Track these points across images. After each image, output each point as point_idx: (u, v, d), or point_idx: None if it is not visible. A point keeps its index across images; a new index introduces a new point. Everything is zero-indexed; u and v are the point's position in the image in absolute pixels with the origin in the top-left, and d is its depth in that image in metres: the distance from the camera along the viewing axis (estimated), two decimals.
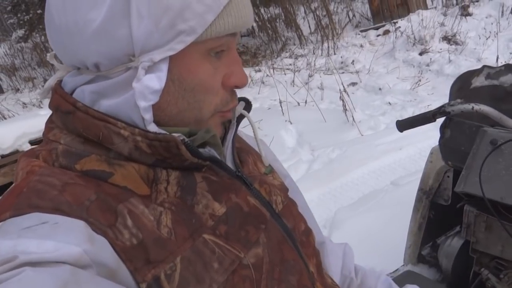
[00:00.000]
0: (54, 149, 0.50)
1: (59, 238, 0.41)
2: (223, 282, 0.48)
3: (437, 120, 1.18)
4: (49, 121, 0.54)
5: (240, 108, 0.61)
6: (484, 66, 1.29)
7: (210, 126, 0.55)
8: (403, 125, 1.14)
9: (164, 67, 0.48)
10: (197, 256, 0.47)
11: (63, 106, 0.51)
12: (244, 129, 0.70)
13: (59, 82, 0.54)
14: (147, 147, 0.49)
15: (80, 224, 0.43)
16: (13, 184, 0.49)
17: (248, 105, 0.63)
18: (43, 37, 8.87)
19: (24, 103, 6.74)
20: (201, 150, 0.52)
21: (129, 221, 0.46)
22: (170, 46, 0.47)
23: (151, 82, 0.48)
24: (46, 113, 4.36)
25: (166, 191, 0.50)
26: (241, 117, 0.62)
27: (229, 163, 0.59)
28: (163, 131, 0.50)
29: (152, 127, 0.49)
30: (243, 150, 0.66)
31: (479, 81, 1.28)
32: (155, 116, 0.51)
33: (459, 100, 1.05)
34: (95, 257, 0.42)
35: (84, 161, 0.49)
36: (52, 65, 0.58)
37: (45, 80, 7.72)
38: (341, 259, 0.75)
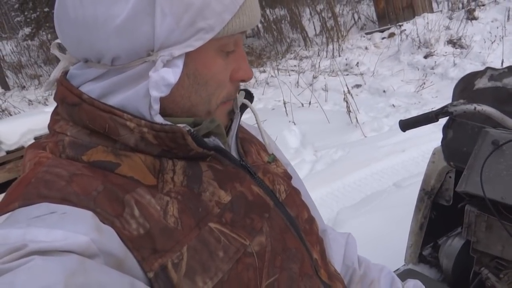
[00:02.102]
0: (60, 141, 0.51)
1: (68, 227, 0.41)
2: (228, 271, 0.49)
3: (440, 121, 1.19)
4: (55, 113, 0.55)
5: (241, 98, 0.63)
6: (487, 68, 1.30)
7: (216, 116, 0.56)
8: (406, 124, 1.15)
9: (180, 63, 0.50)
10: (203, 245, 0.48)
11: (69, 98, 0.51)
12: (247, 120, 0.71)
13: (64, 74, 0.55)
14: (153, 138, 0.49)
15: (87, 214, 0.44)
16: (21, 175, 0.50)
17: (249, 96, 0.64)
18: (49, 35, 8.92)
19: (30, 100, 6.79)
20: (205, 139, 0.53)
21: (136, 211, 0.47)
22: (189, 43, 0.49)
23: (167, 75, 0.49)
24: (51, 110, 4.35)
25: (172, 181, 0.51)
26: (243, 107, 0.63)
27: (233, 152, 0.60)
28: (169, 122, 0.50)
29: (158, 118, 0.50)
30: (246, 140, 0.67)
31: (482, 83, 1.29)
32: (168, 109, 0.52)
33: (461, 101, 1.06)
34: (102, 247, 0.42)
35: (91, 152, 0.50)
36: (58, 62, 0.58)
37: None
38: (343, 248, 0.76)
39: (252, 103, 0.64)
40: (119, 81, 0.50)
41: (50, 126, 0.55)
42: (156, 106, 0.50)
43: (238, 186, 0.55)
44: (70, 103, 0.51)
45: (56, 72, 0.56)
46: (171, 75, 0.49)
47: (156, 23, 0.47)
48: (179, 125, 0.50)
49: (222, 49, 0.53)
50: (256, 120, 0.66)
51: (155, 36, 0.48)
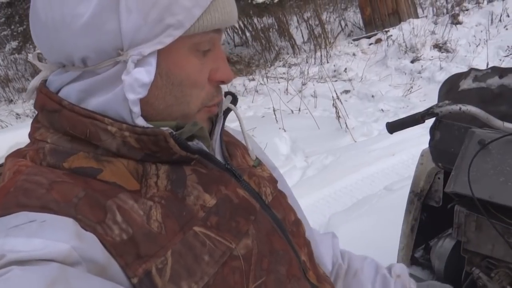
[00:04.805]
0: (41, 149, 0.50)
1: (47, 235, 0.41)
2: (213, 274, 0.48)
3: (429, 124, 1.20)
4: (35, 121, 0.54)
5: (227, 102, 0.62)
6: (471, 69, 1.32)
7: (198, 120, 0.55)
8: (393, 127, 1.16)
9: (153, 61, 0.49)
10: (187, 250, 0.48)
11: (49, 105, 0.51)
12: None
13: (44, 82, 0.55)
14: (136, 141, 0.49)
15: (68, 221, 0.43)
16: (0, 185, 0.49)
17: (234, 99, 0.64)
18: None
19: (17, 114, 6.71)
20: (189, 143, 0.52)
21: (118, 216, 0.46)
22: (159, 40, 0.48)
23: (140, 75, 0.48)
24: None
25: (156, 185, 0.50)
26: (227, 111, 0.63)
27: (218, 156, 0.60)
28: (150, 125, 0.50)
29: (140, 121, 0.50)
30: (231, 143, 0.66)
31: (466, 84, 1.30)
32: (143, 111, 0.51)
33: (447, 101, 1.07)
34: (84, 254, 0.42)
35: (72, 159, 0.49)
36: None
37: None
38: (331, 248, 0.77)
39: (237, 107, 0.64)
40: (95, 84, 0.50)
41: (30, 134, 0.54)
42: (136, 109, 0.49)
43: (223, 189, 0.55)
44: (50, 109, 0.51)
45: (35, 81, 0.55)
46: (145, 74, 0.48)
47: (121, 19, 0.46)
48: (161, 128, 0.49)
49: (196, 48, 0.52)
50: (240, 123, 0.66)
51: (122, 34, 0.47)
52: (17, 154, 0.52)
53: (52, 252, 0.40)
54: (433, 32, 6.16)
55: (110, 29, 0.47)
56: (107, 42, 0.48)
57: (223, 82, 0.56)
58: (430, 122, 1.20)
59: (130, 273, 0.44)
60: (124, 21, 0.47)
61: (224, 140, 0.64)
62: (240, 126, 0.66)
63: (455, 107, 1.05)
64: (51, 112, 0.51)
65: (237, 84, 6.13)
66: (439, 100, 1.31)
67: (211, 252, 0.49)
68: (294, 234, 0.63)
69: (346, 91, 5.44)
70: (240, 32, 8.31)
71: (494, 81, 1.26)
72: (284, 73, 6.49)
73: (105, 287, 0.41)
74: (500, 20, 6.08)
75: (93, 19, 0.47)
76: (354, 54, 6.50)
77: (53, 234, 0.41)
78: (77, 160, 0.49)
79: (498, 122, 1.05)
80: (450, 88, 1.32)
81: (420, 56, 5.73)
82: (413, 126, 1.12)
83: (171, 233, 0.48)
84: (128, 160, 0.50)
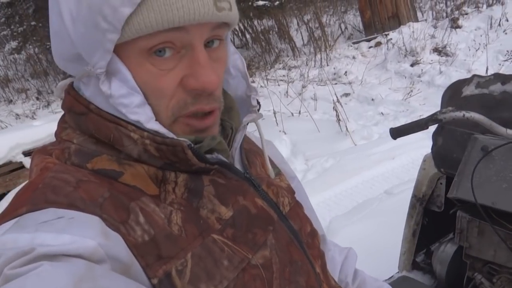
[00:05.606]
0: (67, 148, 0.51)
1: (75, 231, 0.41)
2: (233, 279, 0.48)
3: (429, 128, 1.20)
4: (62, 121, 0.55)
5: (254, 116, 0.60)
6: (474, 76, 1.33)
7: (178, 131, 0.51)
8: (397, 132, 1.17)
9: (121, 67, 0.47)
10: (207, 253, 0.48)
11: (77, 107, 0.52)
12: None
13: (72, 83, 0.55)
14: (155, 150, 0.49)
15: (94, 219, 0.44)
16: (28, 180, 0.50)
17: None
18: (36, 49, 8.87)
19: (17, 114, 6.71)
20: (208, 156, 0.52)
21: (141, 218, 0.46)
22: (103, 47, 0.46)
23: (119, 90, 0.48)
24: (39, 124, 4.33)
25: (174, 192, 0.51)
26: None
27: (237, 164, 0.59)
28: (172, 136, 0.50)
29: (151, 125, 0.48)
30: (251, 151, 0.66)
31: (469, 90, 1.31)
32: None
33: (450, 108, 1.08)
34: (109, 251, 0.42)
35: (96, 160, 0.50)
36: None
37: (39, 91, 7.70)
38: (339, 265, 0.75)
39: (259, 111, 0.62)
40: (94, 93, 0.50)
41: (57, 134, 0.55)
42: (138, 116, 0.48)
43: (241, 199, 0.55)
44: (78, 112, 0.52)
45: (67, 80, 0.56)
46: (122, 84, 0.47)
47: (68, 28, 0.47)
48: (180, 139, 0.49)
49: (148, 52, 0.47)
50: (260, 136, 0.64)
51: (74, 43, 0.48)
52: (43, 151, 0.52)
53: (79, 247, 0.40)
54: (432, 36, 6.18)
55: (65, 36, 0.48)
56: (67, 50, 0.50)
57: (198, 90, 0.49)
58: (431, 127, 1.21)
59: (151, 274, 0.45)
60: (70, 29, 0.47)
61: (245, 148, 0.63)
62: (261, 139, 0.63)
63: (459, 114, 1.06)
64: (79, 114, 0.51)
65: None
66: (442, 106, 1.32)
67: (230, 258, 0.49)
68: (309, 245, 0.63)
69: (346, 94, 5.45)
70: (240, 34, 8.33)
71: (496, 88, 1.27)
72: (284, 75, 6.51)
73: (129, 286, 0.41)
74: (499, 25, 6.11)
75: (54, 27, 0.50)
76: (354, 57, 6.51)
77: (80, 231, 0.42)
78: (100, 162, 0.50)
79: (501, 129, 1.06)
80: (453, 94, 1.33)
81: (420, 59, 5.75)
82: (416, 132, 1.13)
83: (191, 236, 0.48)
84: (148, 166, 0.51)
